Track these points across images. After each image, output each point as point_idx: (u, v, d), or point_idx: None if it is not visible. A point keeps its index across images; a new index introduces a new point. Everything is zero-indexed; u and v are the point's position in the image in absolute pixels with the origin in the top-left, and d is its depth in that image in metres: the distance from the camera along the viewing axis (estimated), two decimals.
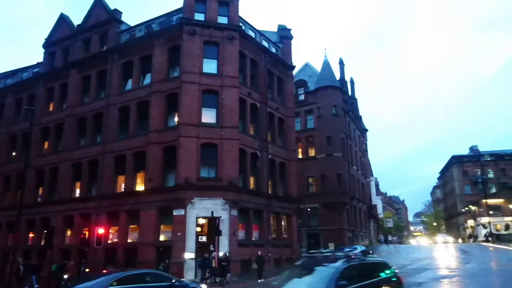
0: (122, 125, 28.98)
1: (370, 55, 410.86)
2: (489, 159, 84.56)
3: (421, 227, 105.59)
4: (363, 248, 32.40)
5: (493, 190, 77.49)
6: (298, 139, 40.16)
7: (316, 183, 43.13)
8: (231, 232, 24.54)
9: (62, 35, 35.28)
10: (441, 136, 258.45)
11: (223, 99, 26.43)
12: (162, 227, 25.53)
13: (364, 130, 61.07)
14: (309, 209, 41.35)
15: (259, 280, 22.28)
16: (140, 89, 28.71)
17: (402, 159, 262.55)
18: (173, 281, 13.75)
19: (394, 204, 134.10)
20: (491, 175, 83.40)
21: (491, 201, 68.97)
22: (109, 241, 26.70)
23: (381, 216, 70.70)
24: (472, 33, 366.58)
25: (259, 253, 24.27)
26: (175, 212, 24.27)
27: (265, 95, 30.72)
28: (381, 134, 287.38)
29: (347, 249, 29.29)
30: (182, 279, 15.19)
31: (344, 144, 44.50)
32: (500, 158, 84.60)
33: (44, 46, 36.61)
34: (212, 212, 23.15)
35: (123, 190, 27.74)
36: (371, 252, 31.47)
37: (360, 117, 59.69)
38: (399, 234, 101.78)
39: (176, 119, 26.78)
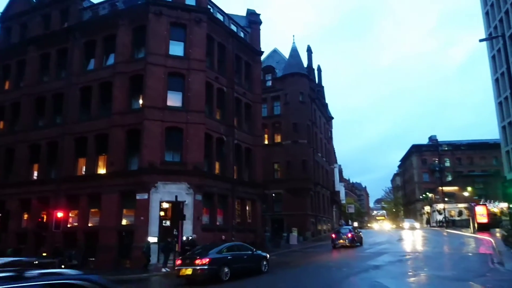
0: (83, 106, 28.01)
1: (341, 45, 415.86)
2: (446, 148, 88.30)
3: (384, 211, 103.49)
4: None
5: (449, 178, 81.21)
6: (265, 125, 40.32)
7: (281, 169, 43.62)
8: (195, 216, 24.50)
9: (19, 10, 33.40)
10: (405, 126, 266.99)
11: (190, 82, 26.05)
12: (124, 211, 25.11)
13: (329, 118, 62.07)
14: (273, 195, 41.86)
15: None
16: (103, 70, 27.79)
17: (367, 147, 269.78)
18: (254, 250, 18.25)
19: (356, 190, 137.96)
20: (447, 164, 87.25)
21: (446, 189, 72.29)
22: (68, 225, 26.06)
23: (343, 202, 72.63)
24: (440, 26, 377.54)
25: (223, 237, 24.41)
26: (138, 196, 23.92)
27: (232, 80, 30.52)
28: (348, 123, 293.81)
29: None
30: (257, 250, 18.76)
31: (309, 131, 45.09)
32: (457, 148, 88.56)
33: None
34: (176, 197, 22.99)
35: (84, 173, 26.99)
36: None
37: (326, 104, 60.56)
38: (360, 220, 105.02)
39: (140, 101, 26.17)
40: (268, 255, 18.86)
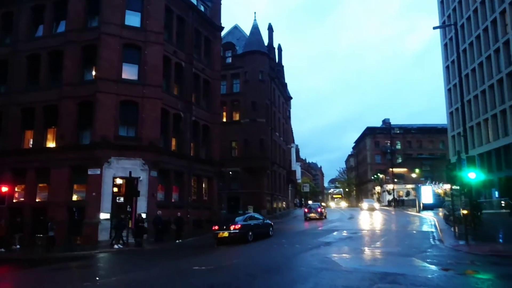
0: (31, 75, 26.40)
1: (303, 25, 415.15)
2: (398, 132, 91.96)
3: (341, 189, 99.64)
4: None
5: (400, 160, 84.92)
6: (223, 102, 40.01)
7: (239, 147, 43.70)
8: (150, 193, 24.13)
9: None
10: (362, 109, 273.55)
11: (146, 55, 25.18)
12: (75, 186, 24.27)
13: (288, 98, 62.50)
14: (230, 173, 41.97)
15: (177, 241, 22.40)
16: (52, 37, 26.20)
17: (325, 128, 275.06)
18: (264, 219, 23.16)
19: (312, 170, 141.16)
20: (399, 146, 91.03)
21: (396, 170, 75.70)
22: (14, 200, 24.87)
23: (299, 181, 74.18)
24: (403, 12, 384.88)
25: (179, 214, 24.30)
26: (90, 172, 23.14)
27: (191, 55, 29.81)
28: (307, 103, 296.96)
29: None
30: (266, 219, 23.60)
31: (268, 110, 45.26)
32: (408, 132, 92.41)
33: None
34: (130, 172, 22.51)
35: (31, 146, 25.67)
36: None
37: (286, 84, 60.82)
38: (315, 198, 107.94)
39: (93, 73, 25.04)
40: (272, 223, 24.22)
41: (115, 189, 23.85)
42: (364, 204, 53.19)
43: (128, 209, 22.21)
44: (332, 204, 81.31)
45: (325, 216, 36.79)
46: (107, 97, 23.75)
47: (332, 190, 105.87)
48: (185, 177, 28.35)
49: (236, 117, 44.50)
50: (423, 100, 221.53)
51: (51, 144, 25.34)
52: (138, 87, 24.70)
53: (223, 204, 37.24)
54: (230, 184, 42.32)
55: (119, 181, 24.23)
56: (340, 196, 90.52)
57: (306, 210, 37.27)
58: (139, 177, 23.69)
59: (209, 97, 32.38)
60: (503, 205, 35.76)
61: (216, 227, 20.74)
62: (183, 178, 28.22)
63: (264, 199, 43.12)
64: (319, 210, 35.98)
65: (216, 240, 21.18)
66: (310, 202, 64.70)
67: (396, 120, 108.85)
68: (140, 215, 22.15)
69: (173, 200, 27.12)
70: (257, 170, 42.09)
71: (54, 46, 25.70)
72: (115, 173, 23.51)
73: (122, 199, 23.76)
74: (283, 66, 59.24)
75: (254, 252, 17.15)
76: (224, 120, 42.82)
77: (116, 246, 20.23)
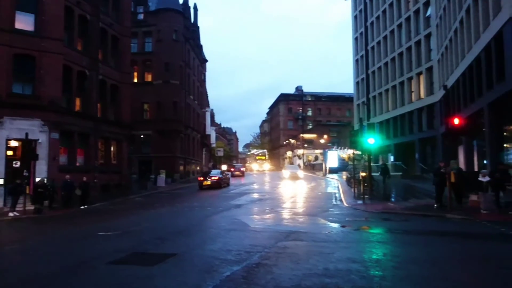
0: None
1: None
2: (310, 99, 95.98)
3: (265, 150, 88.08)
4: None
5: (310, 126, 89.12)
6: (134, 61, 37.85)
7: (151, 109, 42.15)
8: (51, 156, 22.33)
9: None
10: (282, 76, 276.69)
11: (44, 4, 22.53)
12: None
13: (204, 60, 61.21)
14: (142, 136, 40.50)
15: (82, 207, 21.26)
16: None
17: (245, 94, 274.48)
18: (227, 174, 35.28)
19: (227, 135, 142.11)
20: (310, 113, 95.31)
21: (307, 136, 79.63)
22: None
23: (213, 145, 74.36)
24: None
25: (84, 179, 22.93)
26: None
27: (98, 8, 27.37)
28: (232, 69, 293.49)
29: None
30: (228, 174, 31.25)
31: (182, 72, 43.96)
32: (318, 99, 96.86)
33: None
34: (27, 134, 20.54)
35: None
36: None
37: (201, 46, 59.33)
38: (229, 163, 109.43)
39: None
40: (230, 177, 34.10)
41: (10, 152, 21.68)
42: (285, 172, 42.74)
43: (25, 174, 20.34)
44: (255, 167, 73.47)
45: (228, 184, 33.83)
46: None
47: (255, 151, 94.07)
48: (91, 139, 26.66)
49: (148, 78, 42.57)
50: (337, 70, 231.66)
51: None
52: (35, 40, 22.15)
53: (133, 168, 35.95)
54: (142, 147, 40.90)
55: (14, 143, 22.03)
56: (264, 158, 79.53)
57: (201, 178, 32.38)
58: (38, 139, 21.72)
59: (118, 55, 30.31)
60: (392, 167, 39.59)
61: (201, 178, 31.67)
62: (89, 141, 26.51)
63: (177, 163, 42.58)
64: (216, 178, 31.35)
65: (201, 186, 30.68)
66: (224, 166, 64.82)
67: (311, 88, 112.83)
68: (42, 180, 20.48)
69: (78, 164, 25.45)
70: (170, 134, 41.16)
71: None
72: (8, 135, 21.24)
73: (19, 163, 21.67)
74: (198, 27, 57.48)
75: (164, 216, 16.97)
76: (135, 80, 40.71)
77: (11, 214, 18.56)
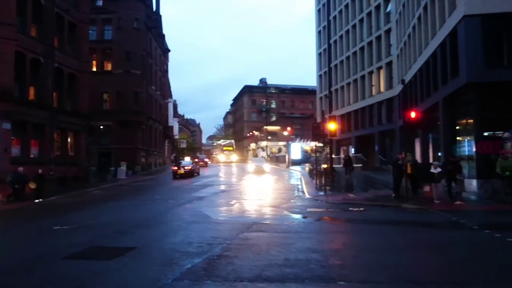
0: None
1: None
2: (274, 91, 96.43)
3: (232, 141, 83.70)
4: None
5: (274, 118, 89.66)
6: (93, 50, 36.52)
7: (111, 99, 40.89)
8: (2, 147, 21.23)
9: None
10: (248, 68, 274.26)
11: None
12: None
13: (166, 50, 59.97)
14: (101, 127, 39.27)
15: (37, 200, 20.36)
16: None
17: (211, 86, 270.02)
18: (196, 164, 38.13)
19: (190, 126, 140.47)
20: (273, 105, 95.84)
21: (271, 128, 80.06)
22: None
23: (176, 137, 73.32)
24: None
25: (40, 171, 21.94)
26: None
27: None
28: (195, 60, 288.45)
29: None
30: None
31: (144, 62, 42.88)
32: (282, 92, 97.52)
33: None
34: None
35: None
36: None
37: (164, 36, 58.07)
38: (193, 154, 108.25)
39: None
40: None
41: None
42: (251, 165, 40.03)
43: None
44: (222, 158, 70.95)
45: (198, 173, 36.27)
46: None
47: (222, 141, 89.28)
48: (47, 130, 25.57)
49: (108, 67, 41.20)
50: (301, 63, 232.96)
51: None
52: None
53: (92, 160, 34.81)
54: (101, 139, 39.63)
55: None
56: (231, 148, 76.18)
57: (175, 168, 34.55)
58: None
59: (76, 43, 29.13)
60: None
61: (176, 168, 33.86)
62: (44, 132, 25.41)
63: (139, 154, 41.68)
64: (188, 168, 34.07)
65: (175, 175, 32.97)
66: (188, 158, 63.74)
67: (275, 80, 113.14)
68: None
69: (32, 156, 24.37)
70: (131, 125, 40.12)
71: None
72: None
73: None
74: (161, 16, 56.23)
75: (124, 209, 16.57)
76: (94, 69, 39.31)
77: None
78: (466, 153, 20.65)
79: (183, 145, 79.64)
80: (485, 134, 18.90)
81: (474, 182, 17.91)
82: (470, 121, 20.19)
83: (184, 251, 7.94)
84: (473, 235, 9.92)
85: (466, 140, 21.18)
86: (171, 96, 66.28)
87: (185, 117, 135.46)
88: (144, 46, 43.23)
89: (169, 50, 61.58)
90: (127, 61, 40.09)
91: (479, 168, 18.31)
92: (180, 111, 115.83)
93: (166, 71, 61.28)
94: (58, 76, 26.94)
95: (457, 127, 22.67)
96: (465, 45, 18.94)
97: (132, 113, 40.06)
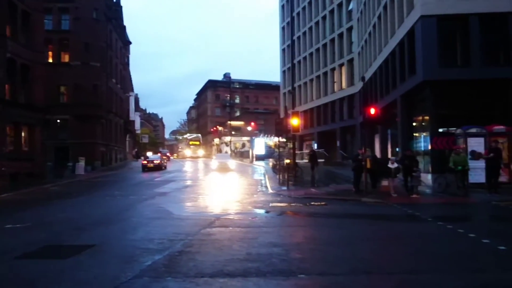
0: None
1: None
2: (238, 86, 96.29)
3: (199, 135, 79.67)
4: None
5: (238, 113, 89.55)
6: (49, 40, 34.91)
7: (69, 92, 39.37)
8: None
9: None
10: (214, 63, 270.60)
11: None
12: None
13: (127, 42, 58.41)
14: (58, 121, 37.78)
15: None
16: None
17: (176, 80, 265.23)
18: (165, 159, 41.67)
19: (152, 121, 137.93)
20: (237, 100, 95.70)
21: (234, 123, 79.86)
22: None
23: (138, 131, 71.79)
24: None
25: None
26: None
27: None
28: (158, 53, 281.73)
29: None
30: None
31: (104, 54, 41.57)
32: (246, 87, 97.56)
33: None
34: None
35: None
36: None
37: (125, 27, 56.52)
38: (155, 149, 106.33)
39: None
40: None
41: None
42: (214, 162, 36.44)
43: None
44: (188, 153, 68.26)
45: (165, 167, 38.31)
46: None
47: (188, 135, 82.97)
48: None
49: (65, 58, 39.58)
50: (266, 58, 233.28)
51: None
52: None
53: (48, 156, 33.41)
54: (58, 133, 38.01)
55: None
56: (198, 143, 73.24)
57: (145, 162, 37.70)
58: None
59: (30, 32, 27.74)
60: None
61: (145, 162, 36.86)
62: None
63: (98, 150, 40.45)
64: (157, 162, 37.24)
65: (144, 169, 35.43)
66: (150, 153, 62.40)
67: (240, 75, 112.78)
68: None
69: None
70: (90, 119, 38.82)
71: None
72: None
73: None
74: (121, 7, 54.67)
75: (82, 205, 16.03)
76: (50, 60, 37.63)
77: None
78: (422, 149, 21.53)
79: (145, 140, 78.19)
80: (440, 130, 19.76)
81: (429, 176, 18.72)
82: (426, 117, 21.04)
83: (145, 248, 7.79)
84: (427, 227, 10.37)
85: (422, 136, 22.07)
86: (132, 90, 64.74)
87: (148, 112, 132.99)
88: (104, 38, 41.90)
89: (130, 42, 60.04)
90: (86, 53, 38.69)
91: (433, 163, 19.15)
92: (142, 105, 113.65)
93: (127, 63, 59.74)
94: (11, 67, 25.59)
95: (414, 124, 23.57)
96: (421, 44, 19.67)
97: (91, 107, 38.74)
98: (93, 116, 39.13)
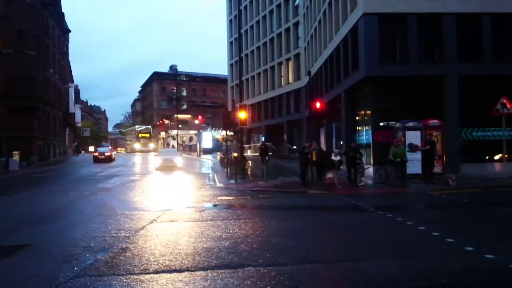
0: None
1: None
2: (184, 79, 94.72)
3: (149, 126, 74.52)
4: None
5: (185, 106, 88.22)
6: None
7: (2, 83, 36.45)
8: None
9: None
10: (161, 54, 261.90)
11: None
12: None
13: (66, 31, 55.23)
14: None
15: None
16: None
17: (119, 71, 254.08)
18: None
19: (95, 114, 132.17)
20: (184, 93, 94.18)
21: (181, 116, 78.53)
22: None
23: (79, 125, 68.50)
24: None
25: None
26: None
27: None
28: (101, 43, 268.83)
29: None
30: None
31: (40, 42, 39.05)
32: (193, 80, 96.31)
33: None
34: None
35: None
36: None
37: (63, 14, 53.36)
38: (98, 143, 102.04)
39: None
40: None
41: None
42: (159, 159, 31.35)
43: None
44: (137, 146, 64.73)
45: (114, 160, 41.08)
46: None
47: (137, 126, 77.34)
48: None
49: None
50: (213, 51, 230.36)
51: None
52: None
53: None
54: None
55: None
56: (148, 135, 68.83)
57: (96, 154, 41.21)
58: None
59: None
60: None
61: (96, 154, 40.07)
62: None
63: (35, 144, 38.09)
64: (107, 153, 40.78)
65: (95, 160, 38.49)
66: (91, 148, 59.92)
67: (187, 68, 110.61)
68: None
69: None
70: (26, 111, 36.38)
71: None
72: None
73: None
74: None
75: (17, 203, 15.03)
76: None
77: None
78: (365, 142, 22.44)
79: (87, 134, 74.85)
80: (381, 124, 20.68)
81: (370, 168, 19.56)
82: (368, 112, 21.93)
83: (86, 246, 7.45)
84: (369, 216, 10.84)
85: (364, 129, 22.98)
86: (72, 81, 61.48)
87: (89, 104, 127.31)
88: (40, 24, 39.35)
89: (69, 31, 56.83)
90: (20, 40, 36.13)
91: (375, 155, 20.04)
92: (84, 97, 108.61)
93: (67, 53, 56.60)
94: None
95: (357, 118, 24.49)
96: (364, 41, 20.42)
97: (26, 98, 36.31)
98: (29, 108, 36.73)
